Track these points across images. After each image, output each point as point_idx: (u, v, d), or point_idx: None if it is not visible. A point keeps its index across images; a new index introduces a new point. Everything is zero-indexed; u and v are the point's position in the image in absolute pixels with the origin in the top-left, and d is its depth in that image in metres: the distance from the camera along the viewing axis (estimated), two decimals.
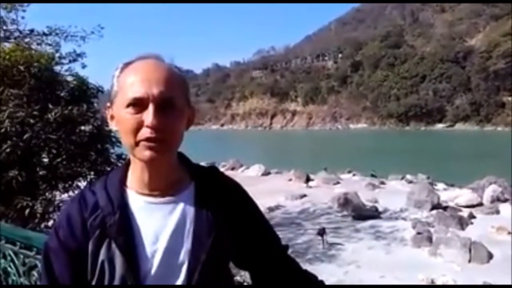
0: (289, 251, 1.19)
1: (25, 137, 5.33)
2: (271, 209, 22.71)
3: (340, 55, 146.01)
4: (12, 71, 6.01)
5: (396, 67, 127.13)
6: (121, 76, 0.99)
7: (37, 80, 5.92)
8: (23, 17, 11.50)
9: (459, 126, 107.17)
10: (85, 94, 7.17)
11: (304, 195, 25.47)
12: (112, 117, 1.02)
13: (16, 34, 13.37)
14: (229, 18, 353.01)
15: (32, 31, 13.02)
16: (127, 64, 1.00)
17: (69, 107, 6.35)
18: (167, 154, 0.97)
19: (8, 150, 5.42)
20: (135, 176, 1.01)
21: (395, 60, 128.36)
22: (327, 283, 1.37)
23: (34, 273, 1.84)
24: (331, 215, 21.21)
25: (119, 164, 8.43)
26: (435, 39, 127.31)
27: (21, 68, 5.86)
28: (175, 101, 0.96)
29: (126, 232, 0.95)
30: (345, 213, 21.11)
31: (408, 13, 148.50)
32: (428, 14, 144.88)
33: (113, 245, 0.93)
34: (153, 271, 0.94)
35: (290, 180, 31.47)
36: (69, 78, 7.38)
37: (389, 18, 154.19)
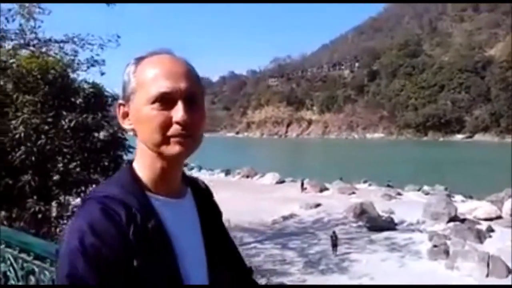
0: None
1: (39, 143, 5.40)
2: (285, 218, 22.59)
3: (357, 64, 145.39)
4: (27, 78, 6.11)
5: (414, 76, 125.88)
6: (138, 71, 0.93)
7: (52, 87, 6.01)
8: (39, 26, 11.74)
9: (479, 137, 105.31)
10: (101, 101, 7.24)
11: (319, 205, 25.25)
12: (126, 115, 0.96)
13: (35, 42, 13.62)
14: (246, 26, 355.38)
15: (50, 39, 13.27)
16: (140, 59, 0.95)
17: (84, 115, 6.42)
18: (193, 151, 0.95)
19: (22, 156, 5.48)
20: (149, 177, 0.95)
21: (413, 70, 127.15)
22: None
23: (32, 278, 1.84)
24: (346, 225, 20.95)
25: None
26: (454, 49, 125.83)
27: (37, 75, 5.96)
28: (198, 96, 0.94)
29: (165, 238, 0.90)
30: (360, 223, 20.84)
31: (426, 22, 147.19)
32: (446, 23, 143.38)
33: (156, 253, 0.87)
34: (191, 275, 0.92)
35: (305, 188, 31.27)
36: (85, 86, 7.47)
37: (406, 27, 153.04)
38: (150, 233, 0.87)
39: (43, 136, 5.41)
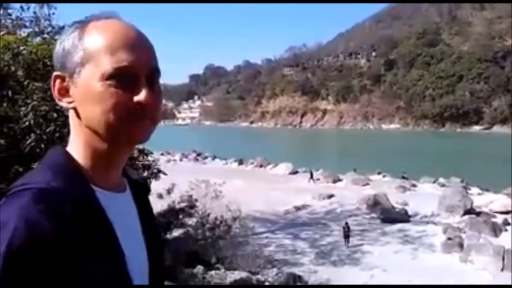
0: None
1: (48, 130, 5.41)
2: (297, 208, 22.55)
3: (373, 53, 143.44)
4: (37, 64, 6.11)
5: (432, 66, 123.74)
6: (86, 39, 0.76)
7: None
8: (53, 13, 11.79)
9: (497, 128, 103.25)
10: None
11: (332, 195, 25.14)
12: (65, 91, 0.78)
13: (49, 29, 13.73)
14: (261, 15, 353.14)
15: (63, 26, 13.32)
16: (85, 23, 0.78)
17: None
18: (150, 137, 0.81)
19: (32, 143, 5.49)
20: (91, 167, 0.79)
21: (431, 59, 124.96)
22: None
23: None
24: (359, 217, 20.80)
25: (141, 159, 8.52)
26: (473, 38, 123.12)
27: (47, 61, 5.95)
28: (159, 73, 0.81)
29: (114, 238, 0.77)
30: (373, 215, 20.66)
31: (445, 10, 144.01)
32: (466, 12, 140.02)
33: (105, 257, 0.74)
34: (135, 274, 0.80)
35: (318, 179, 31.16)
36: None
37: (425, 16, 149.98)
38: (98, 232, 0.74)
39: (52, 124, 5.42)
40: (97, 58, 0.75)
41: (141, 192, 0.93)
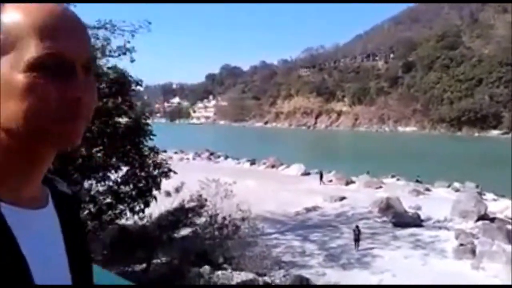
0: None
1: None
2: (308, 210, 22.49)
3: (391, 55, 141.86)
4: None
5: (451, 69, 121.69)
6: (5, 20, 0.60)
7: None
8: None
9: None
10: (123, 86, 7.33)
11: (344, 198, 25.00)
12: None
13: None
14: (279, 16, 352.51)
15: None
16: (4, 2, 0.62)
17: (104, 100, 6.51)
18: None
19: None
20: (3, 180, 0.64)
21: (451, 62, 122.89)
22: None
23: None
24: (370, 220, 20.65)
25: (150, 157, 8.62)
26: (495, 41, 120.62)
27: None
28: (93, 64, 0.68)
29: (16, 255, 0.61)
30: (384, 219, 20.49)
31: (466, 13, 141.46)
32: (488, 14, 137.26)
33: None
34: None
35: (331, 181, 31.02)
36: (109, 71, 7.56)
37: (446, 18, 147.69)
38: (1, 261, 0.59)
39: None
40: (20, 43, 0.60)
41: (67, 206, 0.76)
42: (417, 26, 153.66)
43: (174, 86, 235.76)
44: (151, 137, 7.94)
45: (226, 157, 48.17)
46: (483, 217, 19.53)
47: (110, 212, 6.64)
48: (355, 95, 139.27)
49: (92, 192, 7.53)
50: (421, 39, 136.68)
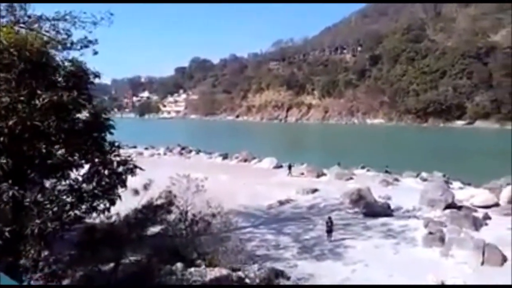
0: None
1: (10, 123, 5.10)
2: (281, 203, 22.42)
3: (359, 48, 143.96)
4: (3, 54, 5.79)
5: (416, 61, 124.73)
6: None
7: (28, 64, 5.67)
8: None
9: (479, 123, 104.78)
10: (81, 79, 6.89)
11: (316, 190, 25.10)
12: None
13: (25, 19, 13.25)
14: (248, 9, 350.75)
15: (40, 16, 12.86)
16: None
17: (60, 93, 6.07)
18: None
19: None
20: None
21: (416, 55, 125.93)
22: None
23: None
24: (342, 211, 20.80)
25: (113, 153, 8.18)
26: (457, 34, 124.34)
27: (12, 51, 5.62)
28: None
29: None
30: (356, 209, 20.67)
31: (430, 6, 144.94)
32: (451, 8, 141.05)
33: None
34: None
35: (302, 174, 31.12)
36: (66, 63, 7.10)
37: (411, 11, 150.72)
38: None
39: (14, 116, 5.11)
40: None
41: None
42: (384, 19, 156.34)
43: (142, 79, 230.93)
44: (112, 131, 7.44)
45: (198, 152, 47.63)
46: (450, 205, 20.02)
47: (71, 212, 6.23)
48: (324, 88, 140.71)
49: (53, 192, 7.08)
50: (387, 32, 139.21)
